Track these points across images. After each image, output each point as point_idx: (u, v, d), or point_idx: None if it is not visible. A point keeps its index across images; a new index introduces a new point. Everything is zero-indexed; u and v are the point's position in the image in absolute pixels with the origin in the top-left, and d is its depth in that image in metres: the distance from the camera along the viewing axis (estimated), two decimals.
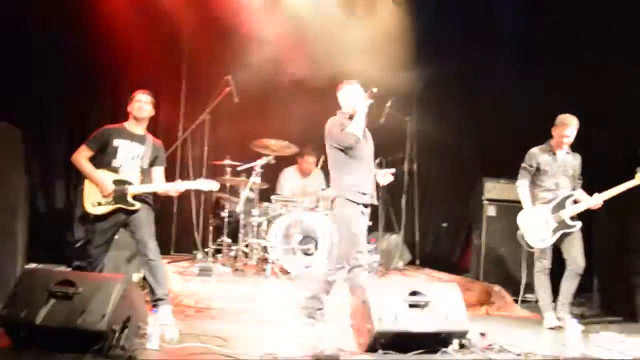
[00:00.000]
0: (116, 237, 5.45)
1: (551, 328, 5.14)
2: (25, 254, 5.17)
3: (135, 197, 4.47)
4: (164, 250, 6.90)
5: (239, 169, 6.47)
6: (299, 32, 7.59)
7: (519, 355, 3.98)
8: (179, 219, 7.16)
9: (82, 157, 4.51)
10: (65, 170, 6.81)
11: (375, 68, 7.69)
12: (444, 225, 8.09)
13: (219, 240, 6.62)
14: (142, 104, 4.61)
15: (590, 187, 5.33)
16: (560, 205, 5.25)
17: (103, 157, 4.53)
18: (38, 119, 6.81)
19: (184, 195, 7.03)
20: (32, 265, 5.63)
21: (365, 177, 4.61)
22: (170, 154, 6.28)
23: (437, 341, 3.94)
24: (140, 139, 4.64)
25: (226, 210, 6.49)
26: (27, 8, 6.54)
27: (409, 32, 7.92)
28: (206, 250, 6.54)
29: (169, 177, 6.73)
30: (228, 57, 7.22)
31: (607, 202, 5.21)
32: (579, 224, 5.23)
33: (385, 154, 6.88)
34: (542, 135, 5.49)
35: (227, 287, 5.42)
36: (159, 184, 4.65)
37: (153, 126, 7.11)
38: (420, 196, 7.50)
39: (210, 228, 6.72)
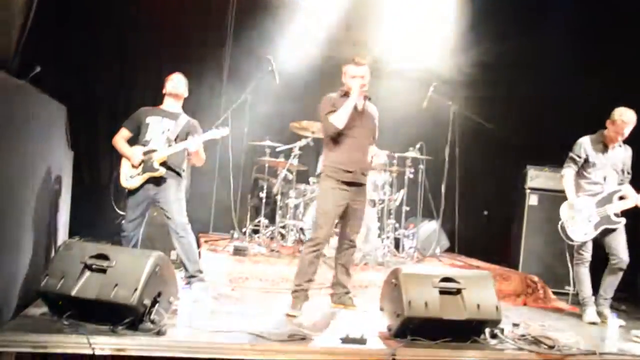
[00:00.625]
0: (154, 214, 5.62)
1: (591, 323, 5.00)
2: (69, 228, 5.33)
3: (162, 165, 4.60)
4: (203, 229, 7.05)
5: (277, 150, 6.50)
6: (344, 14, 7.54)
7: (552, 347, 3.88)
8: (218, 198, 7.21)
9: (119, 137, 4.75)
10: (109, 146, 6.94)
11: (419, 52, 7.63)
12: (485, 213, 7.94)
13: (256, 220, 6.68)
14: (176, 82, 4.76)
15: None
16: (607, 200, 5.06)
17: (138, 136, 4.73)
18: (85, 96, 6.96)
19: (224, 176, 7.13)
20: (75, 239, 5.81)
21: (350, 155, 4.45)
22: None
23: (468, 329, 3.90)
24: (172, 116, 4.77)
25: (264, 191, 6.53)
26: None
27: (454, 15, 7.78)
28: (243, 230, 6.60)
29: (210, 156, 6.86)
30: (271, 37, 7.22)
31: None
32: (622, 220, 5.04)
33: (426, 139, 6.82)
34: (590, 123, 5.29)
35: (261, 267, 5.44)
36: (179, 145, 4.69)
37: (195, 105, 7.27)
38: (461, 183, 7.36)
39: (249, 208, 6.78)
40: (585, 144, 5.17)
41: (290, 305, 4.40)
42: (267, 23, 7.29)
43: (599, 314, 5.05)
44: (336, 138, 4.45)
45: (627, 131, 5.00)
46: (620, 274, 5.03)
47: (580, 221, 5.07)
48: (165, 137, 4.68)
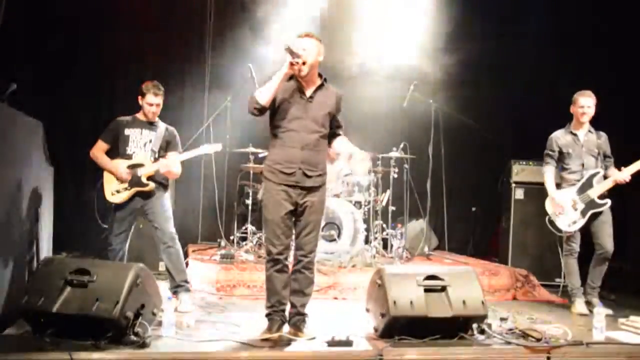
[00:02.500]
0: (141, 226, 5.59)
1: (579, 314, 5.01)
2: (55, 244, 5.28)
3: (149, 179, 4.58)
4: (192, 239, 7.02)
5: (261, 156, 6.48)
6: (327, 18, 7.53)
7: (539, 340, 3.87)
8: (205, 208, 7.18)
9: (97, 150, 4.68)
10: (91, 160, 6.89)
11: (401, 52, 7.63)
12: (473, 209, 7.94)
13: (243, 227, 6.66)
14: (152, 108, 4.66)
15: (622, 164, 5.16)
16: (588, 185, 5.10)
17: (118, 148, 4.68)
18: (64, 110, 6.92)
19: (209, 185, 7.09)
20: (58, 255, 5.76)
21: (288, 152, 3.80)
22: (195, 141, 6.33)
23: (454, 326, 3.88)
24: (151, 126, 4.73)
25: (250, 198, 6.51)
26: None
27: (437, 15, 7.78)
28: (231, 237, 6.58)
29: (194, 163, 6.85)
30: (252, 44, 7.21)
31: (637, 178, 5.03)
32: (608, 202, 5.07)
33: (410, 138, 6.82)
34: (570, 116, 5.31)
35: (248, 274, 5.43)
36: (166, 159, 4.66)
37: (177, 114, 7.26)
38: (447, 180, 7.36)
39: (235, 216, 6.75)
40: (555, 138, 5.28)
41: (264, 329, 3.84)
42: (247, 30, 7.28)
43: (588, 303, 5.05)
44: (276, 132, 3.86)
45: (586, 104, 5.08)
46: (606, 263, 5.04)
47: (566, 212, 5.10)
48: (149, 149, 4.66)
